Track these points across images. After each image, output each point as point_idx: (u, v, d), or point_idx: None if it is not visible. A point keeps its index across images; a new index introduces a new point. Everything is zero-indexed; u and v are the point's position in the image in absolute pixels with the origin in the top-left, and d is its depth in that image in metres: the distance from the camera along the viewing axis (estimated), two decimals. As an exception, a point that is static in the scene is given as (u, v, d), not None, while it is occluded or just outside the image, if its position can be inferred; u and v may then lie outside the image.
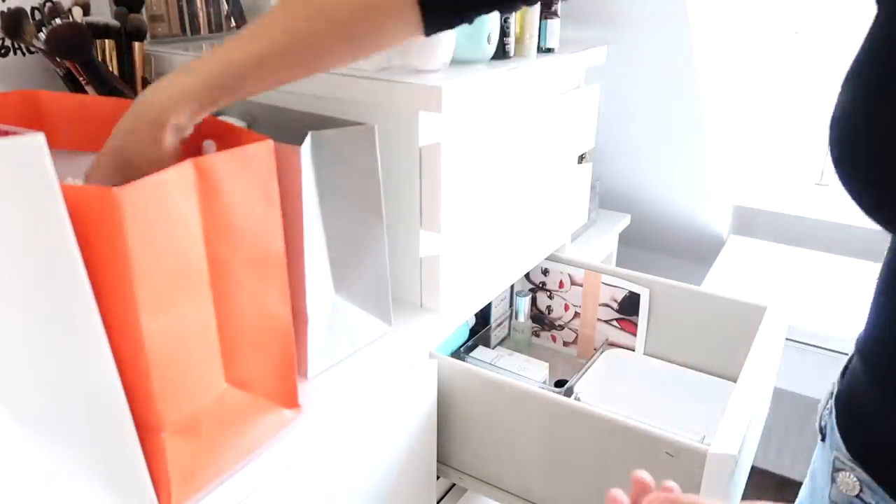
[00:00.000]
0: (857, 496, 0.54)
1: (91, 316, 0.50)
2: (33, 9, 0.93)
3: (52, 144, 0.47)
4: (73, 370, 0.51)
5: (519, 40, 0.99)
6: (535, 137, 1.04)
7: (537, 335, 1.29)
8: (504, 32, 0.95)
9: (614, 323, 1.18)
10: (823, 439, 0.60)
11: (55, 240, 0.47)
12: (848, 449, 0.55)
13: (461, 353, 1.14)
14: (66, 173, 0.72)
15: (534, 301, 1.27)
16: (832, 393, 0.61)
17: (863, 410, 0.55)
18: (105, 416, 0.53)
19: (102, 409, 0.52)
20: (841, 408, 0.58)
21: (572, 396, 1.03)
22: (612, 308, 1.17)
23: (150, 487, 0.56)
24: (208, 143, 0.66)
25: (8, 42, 0.94)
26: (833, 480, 0.56)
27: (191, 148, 0.67)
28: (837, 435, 0.56)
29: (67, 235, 0.48)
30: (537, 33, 1.01)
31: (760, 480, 1.71)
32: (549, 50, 1.04)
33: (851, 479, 0.54)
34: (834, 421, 0.58)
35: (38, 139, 0.45)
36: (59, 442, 0.52)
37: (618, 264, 1.87)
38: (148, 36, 1.02)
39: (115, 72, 0.95)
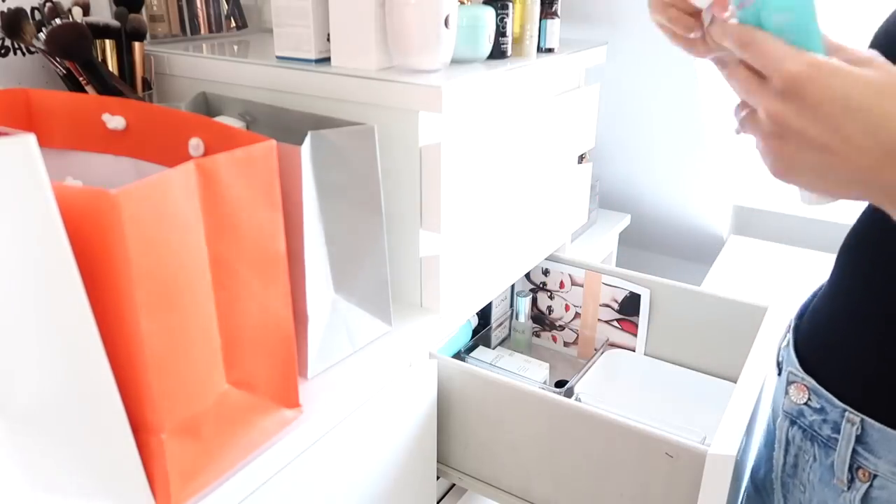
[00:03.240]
0: (806, 403, 0.61)
1: (85, 317, 0.49)
2: (33, 9, 0.93)
3: (45, 143, 0.47)
4: (66, 371, 0.50)
5: (519, 40, 0.99)
6: (535, 137, 1.04)
7: (538, 335, 1.29)
8: (501, 32, 0.95)
9: (615, 323, 1.18)
10: (780, 373, 0.67)
11: (47, 241, 0.47)
12: (801, 365, 0.63)
13: (461, 353, 1.14)
14: (61, 172, 0.72)
15: (534, 301, 1.26)
16: (789, 326, 0.68)
17: (820, 333, 0.62)
18: (100, 418, 0.53)
19: (97, 411, 0.52)
20: (802, 334, 0.65)
21: (573, 397, 1.03)
22: (613, 308, 1.17)
23: (146, 489, 0.56)
24: (195, 142, 0.66)
25: (8, 42, 0.94)
26: (786, 394, 0.64)
27: (179, 146, 0.67)
28: (793, 356, 0.64)
29: (60, 236, 0.47)
30: (537, 33, 1.01)
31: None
32: (549, 50, 1.04)
33: (801, 388, 0.62)
34: (792, 349, 0.65)
35: (29, 140, 0.45)
36: (52, 443, 0.52)
37: (618, 264, 1.87)
38: (148, 36, 1.02)
39: (115, 72, 0.95)
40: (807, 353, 0.63)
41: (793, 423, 0.63)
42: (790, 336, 0.66)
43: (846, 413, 0.57)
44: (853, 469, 0.57)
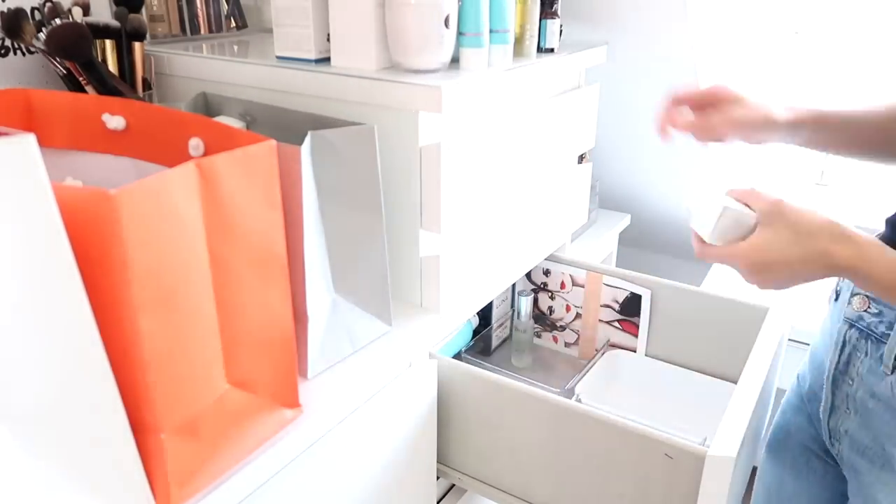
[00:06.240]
0: (866, 310, 0.75)
1: (85, 318, 0.49)
2: (33, 9, 0.93)
3: (45, 143, 0.46)
4: (66, 371, 0.50)
5: (519, 40, 0.99)
6: (535, 137, 1.03)
7: (538, 336, 1.29)
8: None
9: (616, 324, 1.18)
10: (837, 299, 0.82)
11: (48, 241, 0.47)
12: None
13: (461, 353, 1.14)
14: (62, 172, 0.72)
15: (535, 302, 1.26)
16: None
17: None
18: (100, 419, 0.52)
19: (97, 411, 0.52)
20: None
21: (573, 398, 1.03)
22: (614, 309, 1.17)
23: (146, 489, 0.56)
24: (195, 142, 0.66)
25: (8, 42, 0.94)
26: (849, 303, 0.77)
27: (179, 146, 0.67)
28: None
29: (60, 237, 0.47)
30: (537, 33, 1.01)
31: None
32: (550, 50, 1.04)
33: (864, 300, 0.75)
34: None
35: (29, 140, 0.45)
36: (53, 444, 0.52)
37: (618, 264, 1.87)
38: (148, 36, 1.02)
39: (115, 72, 0.95)
40: None
41: (851, 325, 0.77)
42: None
43: None
44: None
